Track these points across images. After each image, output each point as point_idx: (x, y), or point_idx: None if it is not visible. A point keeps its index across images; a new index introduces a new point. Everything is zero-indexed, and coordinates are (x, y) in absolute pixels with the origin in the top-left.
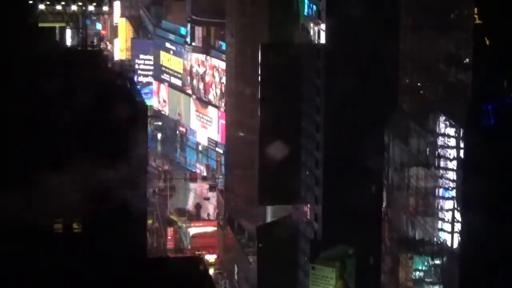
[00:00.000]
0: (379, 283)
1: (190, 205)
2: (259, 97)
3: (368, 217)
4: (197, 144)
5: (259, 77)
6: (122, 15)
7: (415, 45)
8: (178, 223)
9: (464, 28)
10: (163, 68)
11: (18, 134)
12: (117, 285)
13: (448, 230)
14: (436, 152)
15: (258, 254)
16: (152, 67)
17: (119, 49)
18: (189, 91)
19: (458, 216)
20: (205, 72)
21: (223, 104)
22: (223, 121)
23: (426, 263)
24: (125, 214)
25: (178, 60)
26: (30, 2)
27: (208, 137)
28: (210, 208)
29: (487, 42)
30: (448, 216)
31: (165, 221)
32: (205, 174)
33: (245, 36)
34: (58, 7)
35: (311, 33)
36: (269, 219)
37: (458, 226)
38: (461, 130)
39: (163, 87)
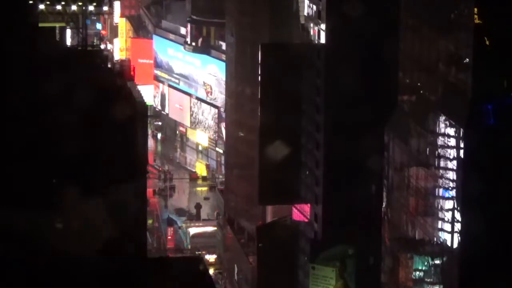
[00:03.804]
0: (379, 283)
1: (190, 205)
2: (259, 97)
3: (368, 217)
4: (197, 144)
5: (259, 77)
6: (122, 15)
7: (415, 45)
8: (178, 223)
9: (464, 28)
10: None
11: (17, 134)
12: (117, 285)
13: (448, 230)
14: (436, 152)
15: (258, 254)
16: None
17: (119, 49)
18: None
19: (458, 216)
20: (205, 72)
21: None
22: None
23: (426, 263)
24: (125, 214)
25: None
26: (30, 2)
27: (209, 137)
28: (210, 208)
29: (487, 42)
30: (448, 216)
31: (165, 221)
32: (205, 174)
33: (245, 36)
34: (58, 7)
35: (311, 33)
36: (269, 219)
37: (458, 226)
38: (461, 130)
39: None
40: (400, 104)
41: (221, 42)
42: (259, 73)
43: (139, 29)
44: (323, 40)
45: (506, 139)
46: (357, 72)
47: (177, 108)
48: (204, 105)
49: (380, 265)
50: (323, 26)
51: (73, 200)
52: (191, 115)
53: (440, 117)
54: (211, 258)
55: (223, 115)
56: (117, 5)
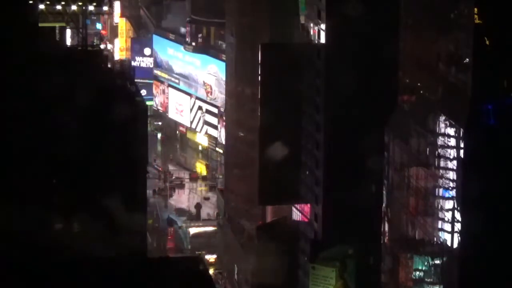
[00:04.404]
0: (379, 283)
1: (190, 205)
2: (259, 97)
3: (368, 217)
4: (197, 144)
5: (259, 77)
6: (122, 15)
7: (415, 45)
8: (178, 223)
9: (464, 28)
10: None
11: (17, 134)
12: (117, 285)
13: (448, 230)
14: (436, 152)
15: (258, 254)
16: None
17: (119, 49)
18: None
19: (458, 216)
20: (205, 72)
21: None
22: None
23: (426, 263)
24: (125, 213)
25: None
26: (30, 2)
27: (208, 137)
28: (210, 208)
29: (487, 42)
30: (448, 216)
31: (165, 221)
32: (205, 174)
33: (245, 36)
34: (58, 7)
35: (311, 33)
36: (269, 219)
37: (458, 226)
38: (461, 130)
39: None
40: (400, 104)
41: (221, 42)
42: (259, 73)
43: (139, 29)
44: (323, 40)
45: (506, 139)
46: (357, 72)
47: (177, 108)
48: (204, 105)
49: (380, 265)
50: (323, 26)
51: (73, 199)
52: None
53: (440, 117)
54: (211, 258)
55: (223, 115)
56: (117, 5)
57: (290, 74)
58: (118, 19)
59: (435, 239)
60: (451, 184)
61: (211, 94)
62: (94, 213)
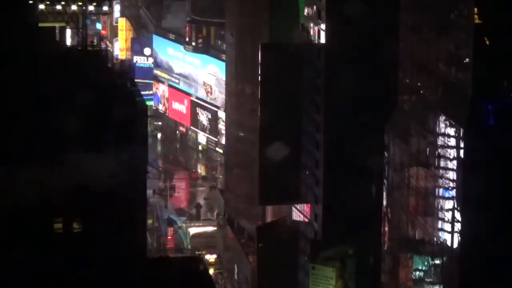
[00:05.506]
0: (379, 283)
1: (190, 205)
2: (259, 97)
3: (368, 217)
4: (197, 144)
5: (259, 77)
6: (122, 15)
7: (415, 45)
8: (178, 223)
9: (464, 28)
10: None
11: (17, 134)
12: (117, 285)
13: (448, 230)
14: (436, 152)
15: (258, 254)
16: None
17: (119, 49)
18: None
19: (458, 216)
20: (205, 72)
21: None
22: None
23: (426, 263)
24: (125, 214)
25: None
26: (30, 2)
27: (208, 137)
28: (210, 208)
29: (487, 42)
30: (448, 216)
31: (165, 221)
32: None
33: (245, 36)
34: (58, 7)
35: (311, 33)
36: (269, 219)
37: (458, 226)
38: (461, 130)
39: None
40: (400, 104)
41: (221, 42)
42: (259, 73)
43: (139, 29)
44: (323, 40)
45: (506, 139)
46: (357, 72)
47: (177, 108)
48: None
49: (380, 265)
50: (323, 26)
51: (72, 199)
52: (191, 116)
53: (440, 117)
54: (211, 258)
55: (222, 115)
56: (117, 5)
57: (290, 74)
58: (118, 19)
59: (435, 239)
60: (451, 184)
61: (211, 94)
62: (94, 213)
